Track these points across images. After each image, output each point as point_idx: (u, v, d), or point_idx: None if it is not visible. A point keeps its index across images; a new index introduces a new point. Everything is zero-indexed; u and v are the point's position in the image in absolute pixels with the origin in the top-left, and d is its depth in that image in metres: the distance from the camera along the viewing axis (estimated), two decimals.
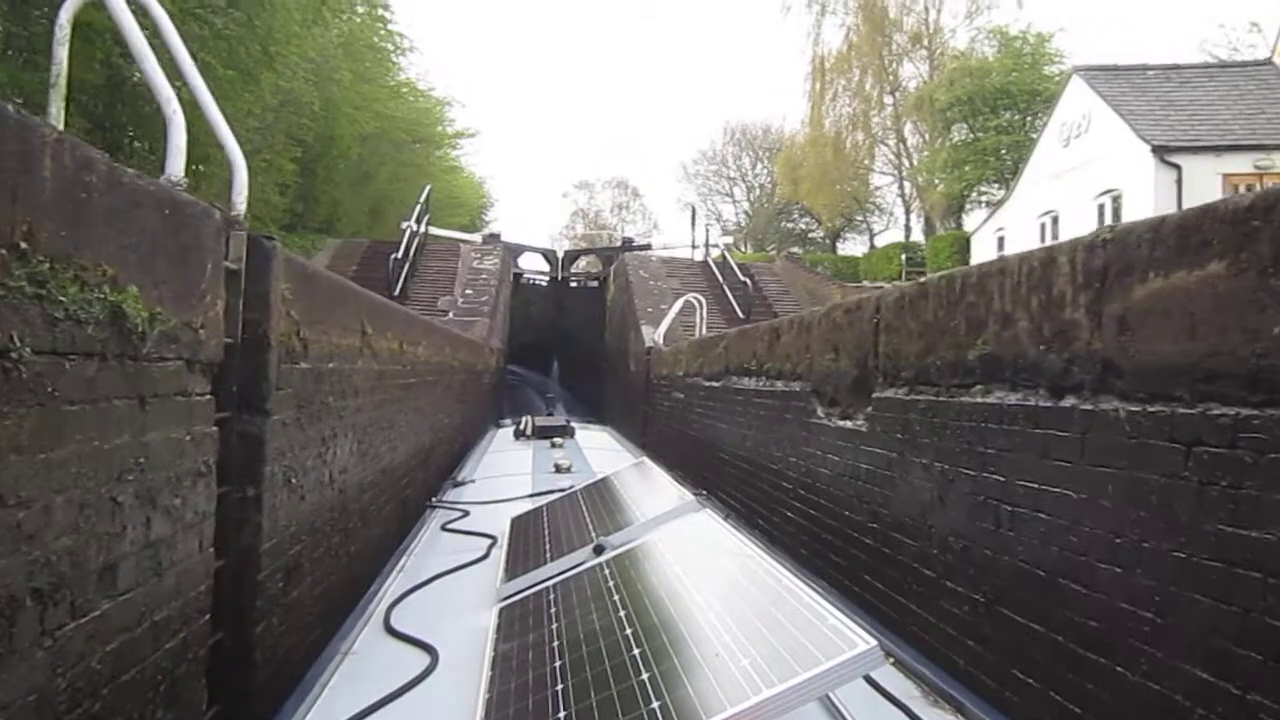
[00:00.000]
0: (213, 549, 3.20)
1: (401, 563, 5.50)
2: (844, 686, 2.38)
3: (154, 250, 2.61)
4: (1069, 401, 3.20)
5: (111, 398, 2.37)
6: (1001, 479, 3.62)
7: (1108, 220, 20.77)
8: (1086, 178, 21.71)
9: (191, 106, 4.07)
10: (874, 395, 5.13)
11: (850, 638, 2.32)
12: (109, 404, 2.36)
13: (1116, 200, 20.73)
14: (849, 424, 5.54)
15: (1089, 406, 3.08)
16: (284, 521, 4.11)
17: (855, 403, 5.50)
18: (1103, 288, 3.03)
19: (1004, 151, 31.62)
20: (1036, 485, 3.37)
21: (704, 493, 5.42)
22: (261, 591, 3.78)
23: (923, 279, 4.73)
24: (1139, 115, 19.97)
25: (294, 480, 4.24)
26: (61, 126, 3.90)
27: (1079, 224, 21.12)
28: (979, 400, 3.86)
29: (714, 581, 3.30)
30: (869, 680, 3.16)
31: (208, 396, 3.12)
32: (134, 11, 3.70)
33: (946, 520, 4.10)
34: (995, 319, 3.76)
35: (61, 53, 3.82)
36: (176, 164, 3.33)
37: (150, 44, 3.82)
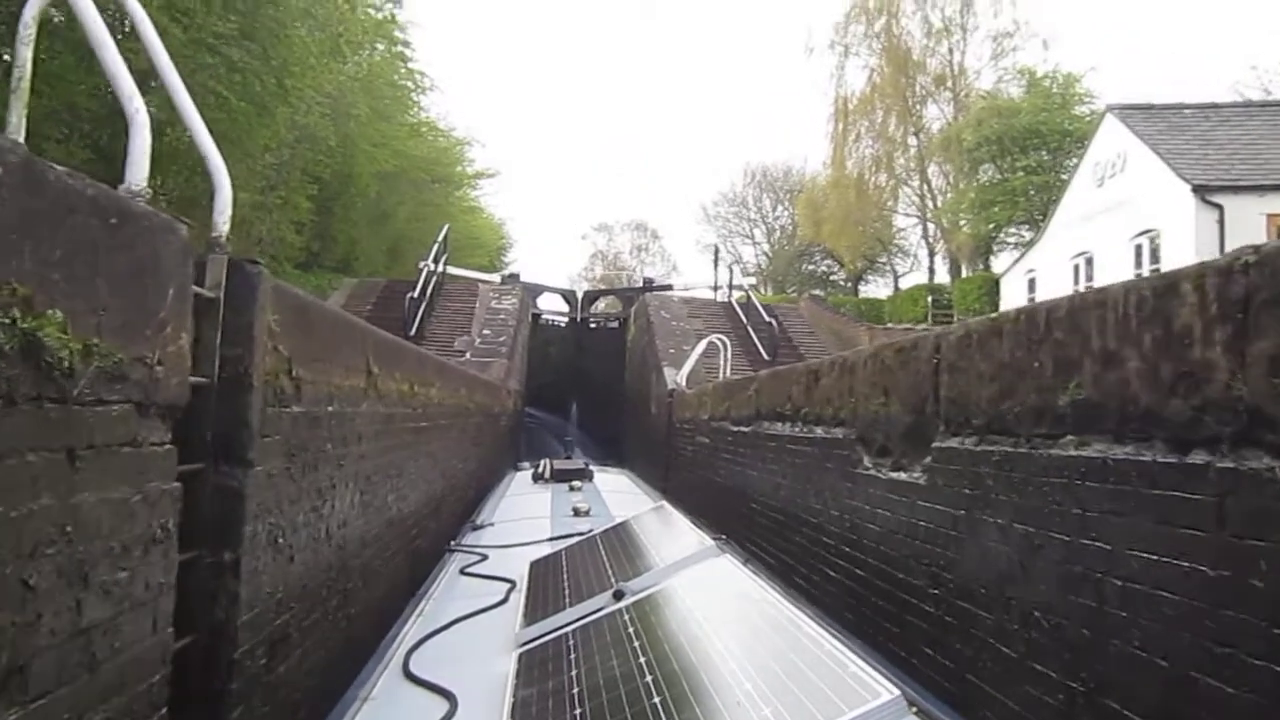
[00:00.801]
0: (171, 629, 2.68)
1: (421, 607, 5.44)
2: None
3: (92, 269, 2.12)
4: (1199, 457, 2.66)
5: (23, 451, 1.86)
6: (1106, 547, 3.07)
7: (1146, 262, 20.22)
8: (1122, 218, 21.11)
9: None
10: (934, 445, 4.59)
11: (874, 687, 2.33)
12: (19, 460, 1.85)
13: (1155, 241, 20.10)
14: (903, 476, 5.00)
15: (1229, 464, 2.53)
16: (269, 588, 3.59)
17: (910, 452, 4.96)
18: (1245, 320, 2.49)
19: (1033, 192, 30.94)
20: (1154, 557, 2.82)
21: (724, 537, 5.21)
22: (239, 671, 3.25)
23: (994, 314, 4.19)
24: (1178, 154, 19.39)
25: (281, 539, 3.73)
26: (23, 136, 3.46)
27: (1115, 265, 20.55)
28: (1072, 453, 3.31)
29: (734, 628, 3.31)
30: None
31: (167, 446, 2.61)
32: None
33: (1031, 591, 3.54)
34: (1093, 359, 3.23)
35: (25, 54, 3.39)
36: (138, 171, 2.86)
37: (123, 50, 3.39)
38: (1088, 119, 30.19)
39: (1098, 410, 3.19)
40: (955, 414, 4.38)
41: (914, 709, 2.36)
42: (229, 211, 3.50)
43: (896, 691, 2.28)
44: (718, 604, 3.77)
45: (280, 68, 12.91)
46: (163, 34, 11.31)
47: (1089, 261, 23.28)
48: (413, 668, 4.11)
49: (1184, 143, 19.90)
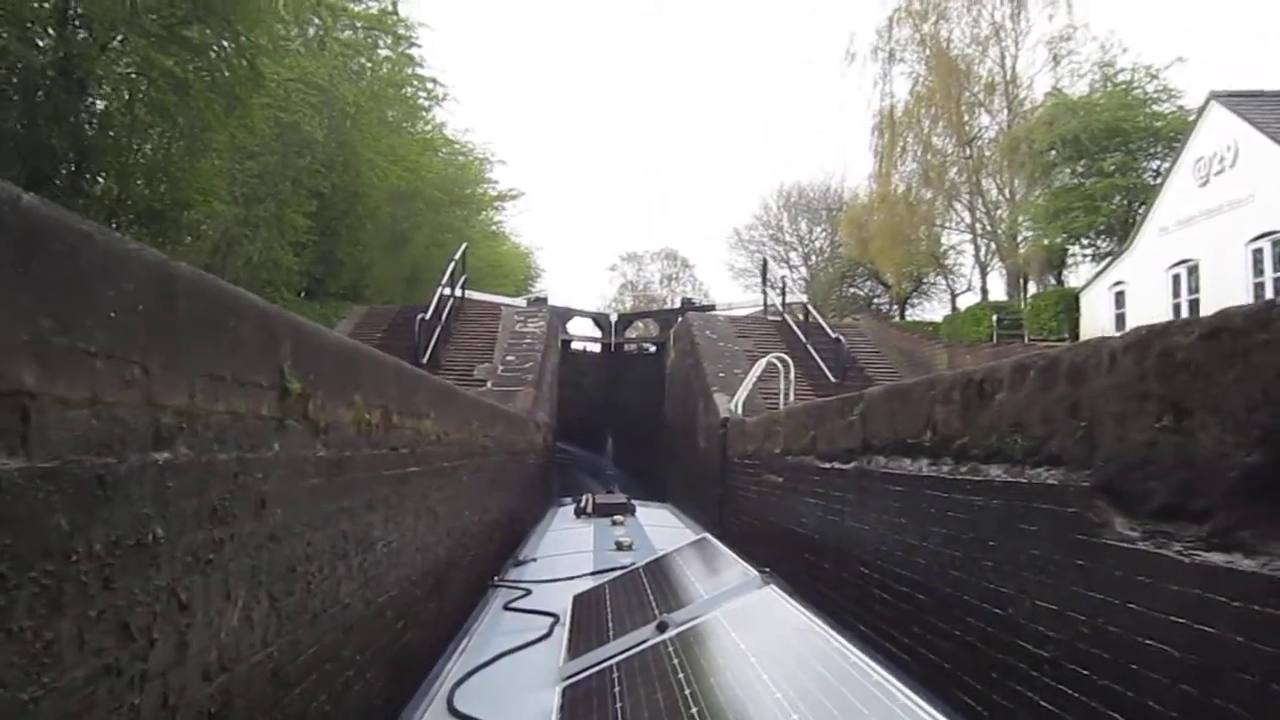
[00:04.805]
0: None
1: (464, 643, 5.46)
2: None
3: None
4: None
5: None
6: None
7: (1269, 269, 17.54)
8: (1235, 219, 18.59)
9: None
10: None
11: None
12: None
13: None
14: (1245, 563, 2.70)
15: None
16: None
17: (1259, 521, 2.67)
18: None
19: (1119, 197, 28.22)
20: None
21: (768, 570, 4.93)
22: None
23: None
24: None
25: None
26: None
27: (1228, 273, 17.98)
28: None
29: (781, 660, 3.30)
30: None
31: None
32: None
33: None
34: None
35: None
36: None
37: None
38: (1172, 115, 27.62)
39: None
40: None
41: None
42: None
43: None
44: (763, 635, 3.79)
45: (251, 46, 10.69)
46: None
47: (1193, 270, 20.69)
48: (457, 703, 4.15)
49: None
